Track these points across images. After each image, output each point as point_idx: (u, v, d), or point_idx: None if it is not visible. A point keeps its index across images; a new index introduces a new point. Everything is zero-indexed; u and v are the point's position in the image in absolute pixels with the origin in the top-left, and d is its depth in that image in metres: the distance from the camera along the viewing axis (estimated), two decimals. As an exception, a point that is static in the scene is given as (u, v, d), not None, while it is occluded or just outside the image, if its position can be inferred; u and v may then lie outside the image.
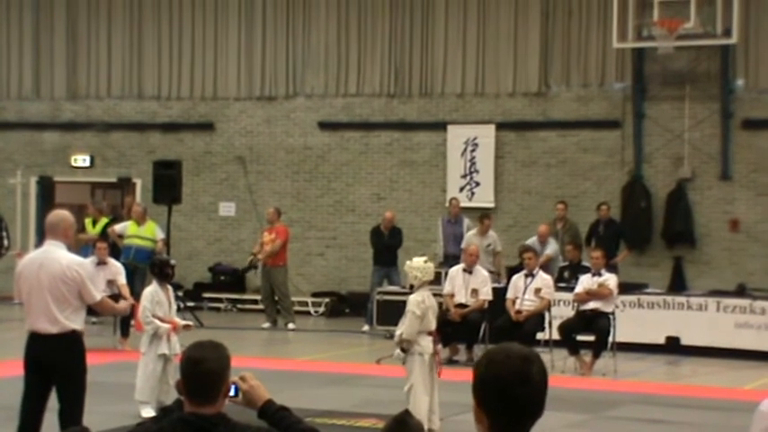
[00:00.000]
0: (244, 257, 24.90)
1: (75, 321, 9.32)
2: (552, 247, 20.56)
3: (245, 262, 24.72)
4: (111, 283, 18.52)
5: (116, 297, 18.34)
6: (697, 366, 17.75)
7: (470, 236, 20.95)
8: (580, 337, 17.00)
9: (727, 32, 21.48)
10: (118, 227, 22.06)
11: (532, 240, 20.31)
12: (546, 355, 17.11)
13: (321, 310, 24.34)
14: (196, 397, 4.50)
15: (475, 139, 23.76)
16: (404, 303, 12.14)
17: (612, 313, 17.07)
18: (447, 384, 12.72)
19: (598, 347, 16.86)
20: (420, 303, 11.80)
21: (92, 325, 19.45)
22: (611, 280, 17.13)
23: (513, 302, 17.19)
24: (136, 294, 17.05)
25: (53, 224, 9.32)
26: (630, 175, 22.73)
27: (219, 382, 4.51)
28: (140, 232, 21.61)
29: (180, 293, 21.00)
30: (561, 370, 16.81)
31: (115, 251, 20.53)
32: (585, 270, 18.09)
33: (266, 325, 21.97)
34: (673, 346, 18.82)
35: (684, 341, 18.82)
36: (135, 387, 12.56)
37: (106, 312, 9.51)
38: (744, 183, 22.24)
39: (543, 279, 17.35)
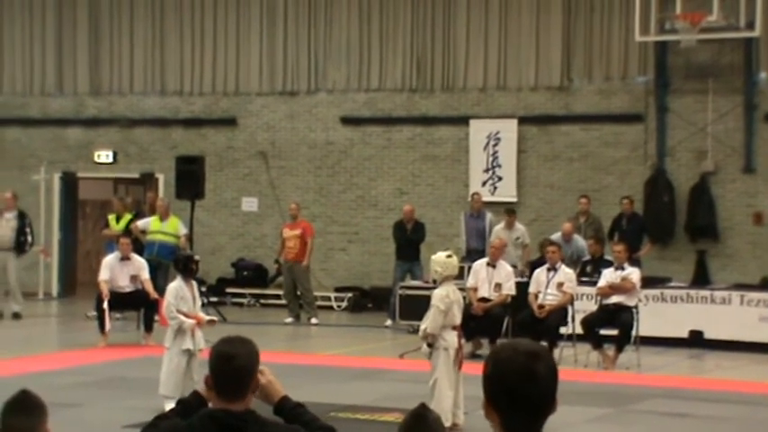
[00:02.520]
0: (267, 252, 24.97)
1: None
2: (580, 245, 20.28)
3: (266, 257, 24.81)
4: (134, 278, 18.61)
5: (140, 292, 18.52)
6: (721, 360, 17.69)
7: (498, 230, 20.95)
8: (603, 332, 16.95)
9: (750, 25, 21.41)
10: (141, 222, 22.13)
11: (557, 236, 20.23)
12: (569, 350, 17.12)
13: (344, 304, 24.36)
14: (226, 393, 4.46)
15: (497, 133, 23.73)
16: (427, 298, 12.14)
17: (636, 307, 17.03)
18: (471, 378, 12.70)
19: (621, 341, 16.83)
20: (444, 298, 11.78)
21: (116, 321, 19.55)
22: (634, 274, 17.09)
23: (536, 297, 17.18)
24: (159, 290, 17.13)
25: None
26: (653, 168, 22.67)
27: (249, 378, 4.48)
28: (163, 228, 21.68)
29: (203, 289, 21.05)
30: (584, 364, 16.79)
31: (138, 247, 20.60)
32: (608, 264, 18.06)
33: (289, 320, 22.01)
34: (696, 340, 18.76)
35: (708, 335, 18.76)
36: (159, 382, 12.58)
37: None
38: (767, 176, 22.15)
39: (566, 273, 17.32)
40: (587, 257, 19.73)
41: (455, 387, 11.72)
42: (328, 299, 24.30)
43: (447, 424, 11.45)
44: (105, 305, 17.91)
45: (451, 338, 11.80)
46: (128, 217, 22.54)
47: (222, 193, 25.84)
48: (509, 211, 21.54)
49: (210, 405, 4.66)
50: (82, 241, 28.23)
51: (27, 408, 4.80)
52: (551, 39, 23.48)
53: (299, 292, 22.17)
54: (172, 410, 4.74)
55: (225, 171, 25.86)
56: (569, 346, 17.16)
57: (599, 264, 18.90)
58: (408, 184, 24.57)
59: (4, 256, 21.68)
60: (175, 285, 12.91)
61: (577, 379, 15.08)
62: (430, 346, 11.78)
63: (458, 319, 11.93)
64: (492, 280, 17.46)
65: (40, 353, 17.67)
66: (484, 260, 17.87)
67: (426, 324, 11.78)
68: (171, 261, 16.15)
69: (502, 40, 23.84)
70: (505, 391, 3.34)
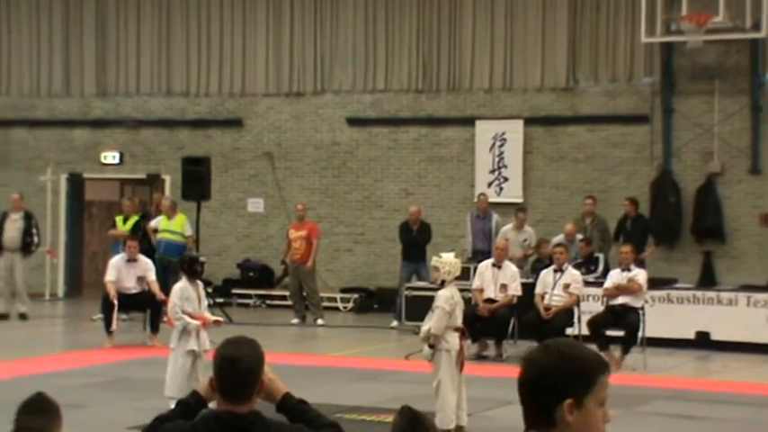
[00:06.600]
0: (272, 253, 24.97)
1: None
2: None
3: (272, 258, 24.81)
4: (141, 279, 18.64)
5: (146, 293, 18.54)
6: (727, 361, 17.67)
7: (506, 230, 20.93)
8: (609, 333, 16.96)
9: (756, 26, 21.38)
10: (153, 222, 22.21)
11: (559, 238, 20.25)
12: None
13: (350, 305, 24.35)
14: (231, 395, 4.43)
15: (503, 134, 23.72)
16: (432, 299, 12.13)
17: (642, 308, 17.03)
18: (476, 380, 12.71)
19: (628, 343, 16.83)
20: (449, 299, 11.79)
21: (122, 321, 19.57)
22: (640, 275, 17.09)
23: (542, 298, 17.17)
24: (168, 289, 17.13)
25: None
26: (659, 169, 22.64)
27: (255, 380, 4.44)
28: (170, 226, 21.74)
29: (209, 290, 21.05)
30: (590, 365, 16.76)
31: (146, 247, 20.61)
32: (596, 263, 18.57)
33: (295, 321, 22.02)
34: (703, 342, 18.74)
35: (714, 336, 18.74)
36: (164, 383, 12.59)
37: None
38: (774, 177, 22.13)
39: (572, 275, 17.32)
40: (580, 260, 19.83)
41: (458, 389, 11.71)
42: (334, 300, 24.30)
43: (451, 426, 11.47)
44: (116, 306, 17.96)
45: (453, 340, 11.79)
46: (135, 218, 22.56)
47: (228, 194, 25.85)
48: (520, 210, 21.51)
49: (212, 405, 4.65)
50: (88, 242, 28.25)
51: (41, 409, 4.82)
52: (557, 40, 23.47)
53: (304, 293, 22.18)
54: (172, 411, 4.70)
55: (231, 172, 25.87)
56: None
57: (590, 263, 19.29)
58: (414, 185, 24.56)
59: (10, 257, 21.71)
60: (180, 286, 12.93)
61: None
62: (431, 347, 11.77)
63: (459, 321, 11.93)
64: (497, 281, 17.46)
65: (47, 354, 17.70)
66: (489, 261, 17.87)
67: (429, 325, 11.78)
68: (178, 259, 16.22)
69: (508, 41, 23.83)
70: None
